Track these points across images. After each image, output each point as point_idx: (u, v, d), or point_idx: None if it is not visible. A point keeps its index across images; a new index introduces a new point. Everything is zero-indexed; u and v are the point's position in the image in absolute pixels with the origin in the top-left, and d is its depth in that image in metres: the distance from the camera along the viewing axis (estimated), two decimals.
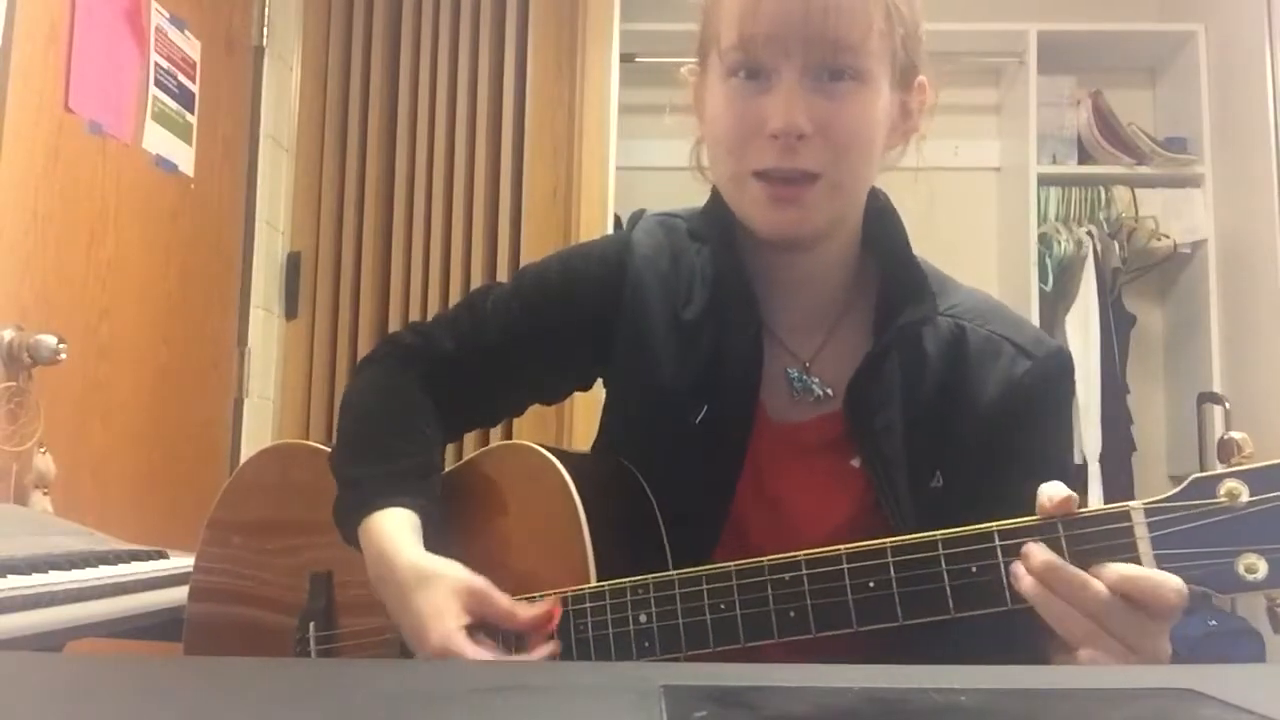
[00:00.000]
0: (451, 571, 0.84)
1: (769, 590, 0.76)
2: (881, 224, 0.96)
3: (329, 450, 1.01)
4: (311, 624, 0.99)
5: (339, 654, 0.98)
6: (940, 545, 0.72)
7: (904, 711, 0.43)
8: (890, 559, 0.73)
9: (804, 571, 0.75)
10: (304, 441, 1.10)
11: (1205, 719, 0.41)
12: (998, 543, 0.71)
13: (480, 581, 0.83)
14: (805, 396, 0.93)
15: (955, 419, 0.90)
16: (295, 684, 0.50)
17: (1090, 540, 0.69)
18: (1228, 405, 2.75)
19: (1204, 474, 0.68)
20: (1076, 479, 0.97)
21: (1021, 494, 0.73)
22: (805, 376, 0.93)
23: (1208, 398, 2.79)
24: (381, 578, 0.87)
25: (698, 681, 0.46)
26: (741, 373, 0.92)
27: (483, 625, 0.82)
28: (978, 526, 0.72)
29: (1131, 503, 0.69)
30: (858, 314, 0.95)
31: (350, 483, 0.94)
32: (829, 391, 0.93)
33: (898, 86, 0.89)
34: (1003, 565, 0.71)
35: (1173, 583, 0.66)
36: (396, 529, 0.88)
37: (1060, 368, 0.93)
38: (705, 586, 0.78)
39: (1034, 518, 0.71)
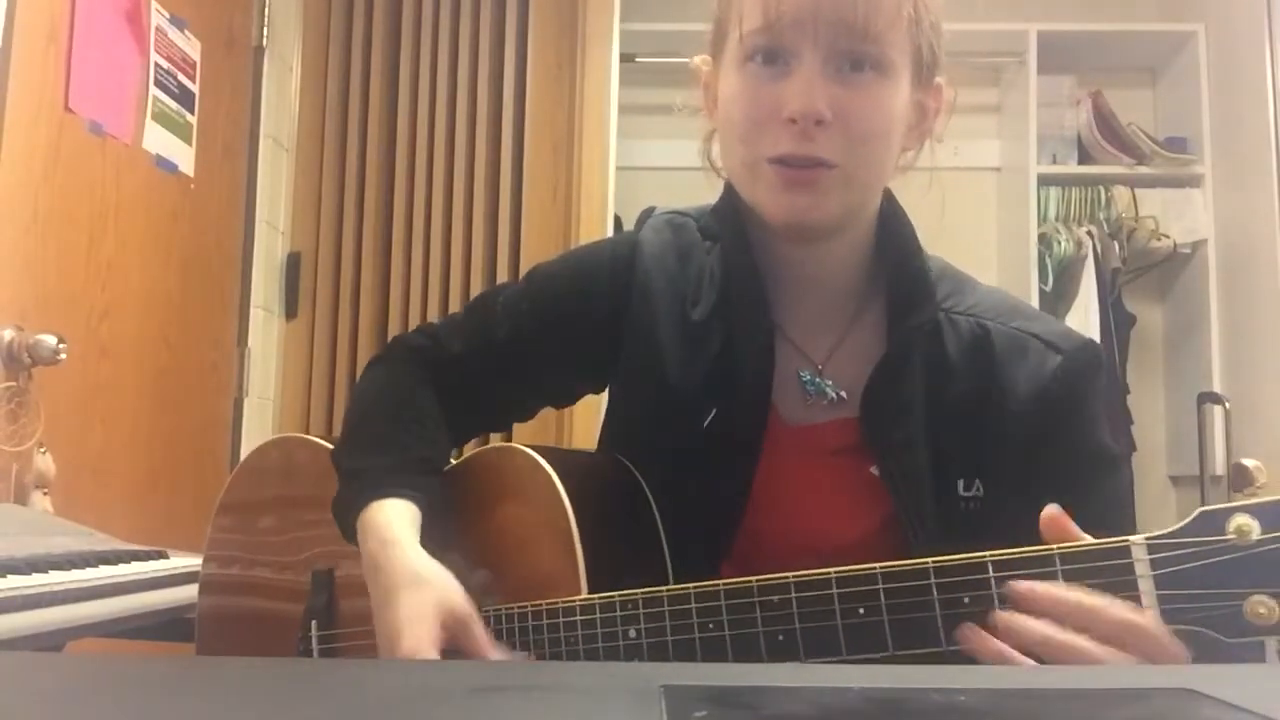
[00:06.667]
0: (444, 584, 0.82)
1: (758, 612, 0.73)
2: (892, 226, 0.94)
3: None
4: (314, 622, 0.99)
5: (341, 652, 0.98)
6: (932, 574, 0.69)
7: (904, 711, 0.43)
8: (880, 585, 0.70)
9: (793, 595, 0.72)
10: (311, 437, 1.10)
11: (1205, 719, 0.41)
12: (991, 574, 0.67)
13: (466, 607, 0.81)
14: (818, 399, 0.91)
15: (988, 423, 0.87)
16: (295, 684, 0.50)
17: (1088, 575, 0.65)
18: (1228, 405, 2.75)
19: (1212, 507, 0.63)
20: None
21: (1068, 491, 0.71)
22: (818, 379, 0.92)
23: (1208, 398, 2.79)
24: (377, 567, 0.85)
25: (698, 681, 0.46)
26: (753, 374, 0.90)
27: (456, 650, 0.80)
28: (970, 555, 0.69)
29: (1133, 537, 0.65)
30: (871, 316, 0.93)
31: (352, 474, 0.93)
32: (843, 394, 0.91)
33: (917, 85, 0.88)
34: (996, 596, 0.67)
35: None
36: (397, 519, 0.86)
37: (1092, 360, 0.90)
38: (694, 605, 0.76)
39: (1029, 549, 0.67)
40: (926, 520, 0.85)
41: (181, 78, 2.20)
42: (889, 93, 0.84)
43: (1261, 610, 0.60)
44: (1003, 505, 0.85)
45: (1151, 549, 0.64)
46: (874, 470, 0.88)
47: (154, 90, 2.09)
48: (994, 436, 0.87)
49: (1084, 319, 2.83)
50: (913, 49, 0.86)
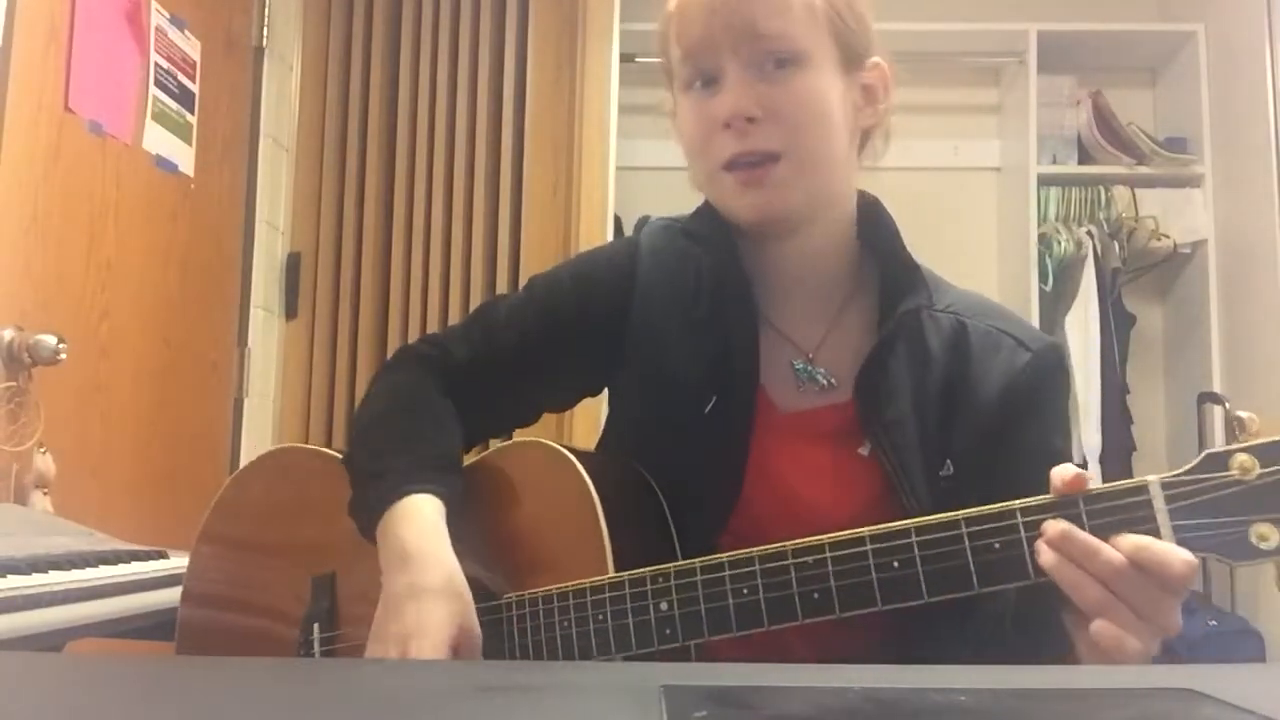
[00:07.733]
0: (469, 604, 0.85)
1: (792, 574, 0.78)
2: (874, 221, 1.00)
3: (333, 452, 1.00)
4: (316, 625, 0.99)
5: (343, 655, 0.98)
6: (964, 524, 0.75)
7: (904, 711, 0.43)
8: (914, 538, 0.76)
9: (828, 554, 0.77)
10: (300, 445, 1.10)
11: (1205, 719, 0.41)
12: (1020, 519, 0.73)
13: (478, 634, 0.85)
14: (811, 386, 0.97)
15: (961, 410, 0.93)
16: (296, 683, 0.50)
17: (1110, 514, 0.71)
18: (1228, 405, 2.75)
19: (1216, 449, 0.70)
20: None
21: (1023, 482, 0.76)
22: (809, 366, 0.97)
23: (1208, 398, 2.79)
24: (407, 557, 0.86)
25: (698, 681, 0.46)
26: (743, 365, 0.96)
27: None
28: (1000, 505, 0.74)
29: (1149, 477, 0.71)
30: (860, 308, 0.99)
31: (375, 474, 0.94)
32: (834, 381, 0.96)
33: (849, 69, 0.94)
34: (1025, 540, 0.73)
35: (1181, 554, 0.69)
36: (430, 513, 0.89)
37: (1058, 360, 0.97)
38: (728, 572, 0.80)
39: (1055, 495, 0.73)
40: (919, 493, 0.90)
41: (181, 78, 2.20)
42: (813, 81, 0.91)
43: (1264, 535, 0.68)
44: (967, 486, 0.90)
45: (1165, 486, 0.71)
46: (863, 451, 0.94)
47: (154, 90, 2.09)
48: (965, 422, 0.93)
49: (1084, 319, 2.83)
50: (833, 36, 0.93)
